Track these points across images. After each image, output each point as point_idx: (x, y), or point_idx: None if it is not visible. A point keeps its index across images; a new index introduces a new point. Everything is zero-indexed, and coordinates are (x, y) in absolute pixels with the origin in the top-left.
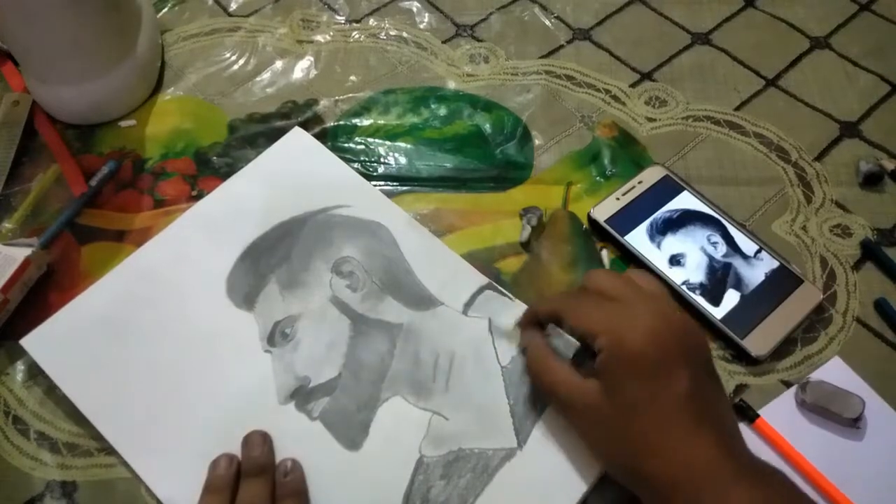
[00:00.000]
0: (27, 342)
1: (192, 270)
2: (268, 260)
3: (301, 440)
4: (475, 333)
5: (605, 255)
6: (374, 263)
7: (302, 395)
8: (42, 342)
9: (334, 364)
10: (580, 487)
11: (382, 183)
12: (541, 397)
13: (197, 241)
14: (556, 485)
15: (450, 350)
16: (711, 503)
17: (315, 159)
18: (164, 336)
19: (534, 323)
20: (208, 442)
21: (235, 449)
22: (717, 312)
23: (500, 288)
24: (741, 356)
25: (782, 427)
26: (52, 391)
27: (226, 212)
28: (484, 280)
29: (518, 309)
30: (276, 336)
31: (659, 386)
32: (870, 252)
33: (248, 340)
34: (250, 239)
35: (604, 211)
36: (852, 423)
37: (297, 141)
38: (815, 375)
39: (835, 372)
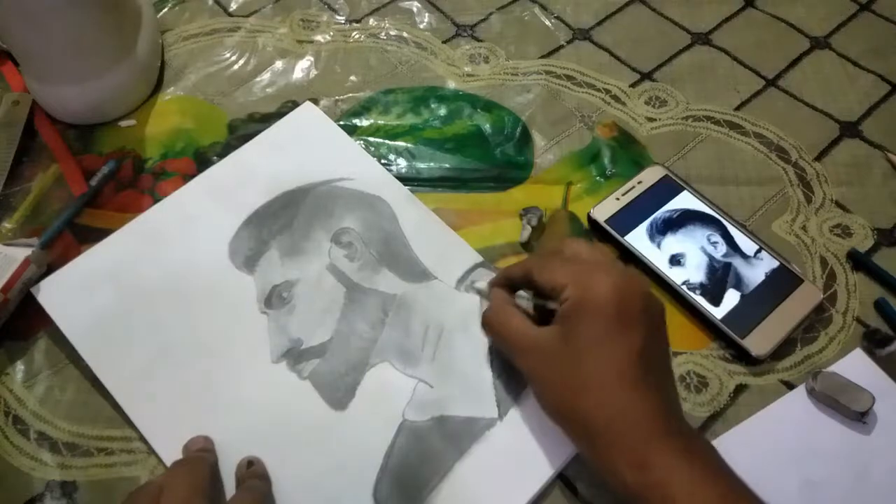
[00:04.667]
0: (38, 291)
1: (196, 233)
2: (270, 227)
3: (290, 398)
4: (466, 307)
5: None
6: (372, 235)
7: (294, 356)
8: (51, 292)
9: (327, 328)
10: (554, 462)
11: None
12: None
13: (204, 206)
14: (532, 456)
15: (439, 322)
16: (634, 448)
17: (322, 133)
18: (166, 293)
19: (503, 285)
20: (204, 396)
21: (229, 400)
22: (718, 312)
23: (492, 266)
24: (741, 356)
25: (791, 411)
26: (51, 391)
27: (234, 179)
28: (478, 258)
29: None
30: (274, 299)
31: (614, 337)
32: (859, 264)
33: (246, 301)
34: (255, 206)
35: (604, 211)
36: (859, 417)
37: (307, 114)
38: (835, 367)
39: (856, 365)
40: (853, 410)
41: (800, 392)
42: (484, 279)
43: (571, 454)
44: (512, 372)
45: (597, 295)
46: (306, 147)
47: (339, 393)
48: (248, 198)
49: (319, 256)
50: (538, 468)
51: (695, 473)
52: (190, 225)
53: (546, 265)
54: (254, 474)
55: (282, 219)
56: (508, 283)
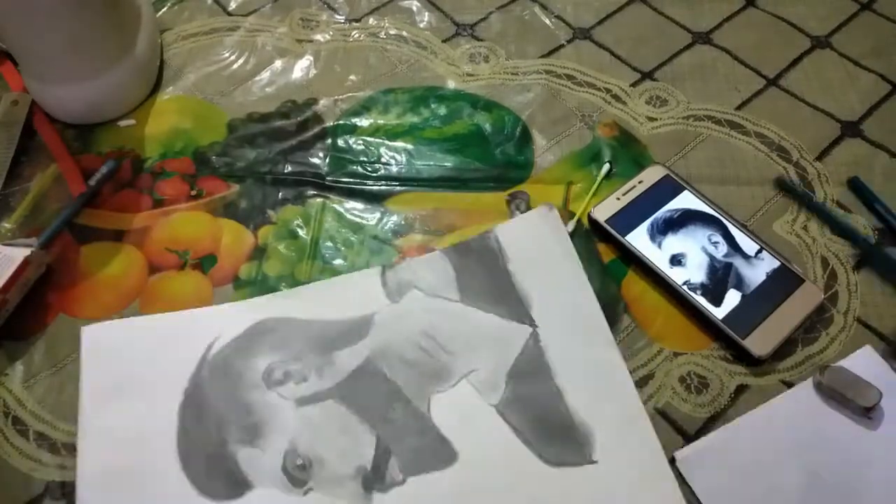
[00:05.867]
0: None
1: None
2: (211, 433)
3: None
4: (412, 304)
5: None
6: (294, 349)
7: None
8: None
9: (365, 443)
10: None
11: (382, 183)
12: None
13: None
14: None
15: (413, 335)
16: None
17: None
18: None
19: None
20: None
21: None
22: (719, 312)
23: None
24: (742, 356)
25: (797, 404)
26: (51, 391)
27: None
28: (386, 262)
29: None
30: (296, 472)
31: None
32: (868, 255)
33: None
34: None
35: (604, 211)
36: (865, 413)
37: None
38: (843, 362)
39: (865, 361)
40: (859, 406)
41: (807, 386)
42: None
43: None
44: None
45: None
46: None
47: (445, 451)
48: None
49: (275, 409)
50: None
51: None
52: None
53: None
54: None
55: (208, 418)
56: None
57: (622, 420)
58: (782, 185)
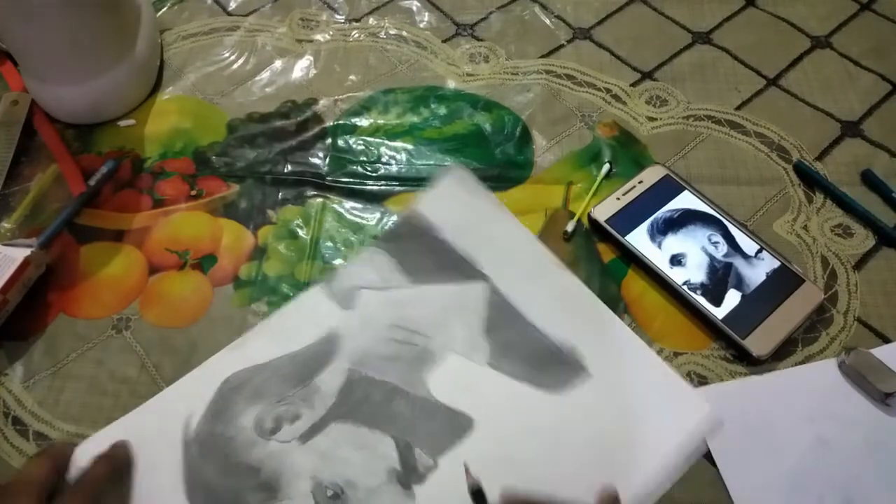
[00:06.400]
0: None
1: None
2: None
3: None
4: (367, 305)
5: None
6: (273, 392)
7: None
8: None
9: (385, 447)
10: None
11: (383, 183)
12: None
13: None
14: None
15: (382, 332)
16: None
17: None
18: None
19: None
20: None
21: None
22: (719, 312)
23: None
24: (742, 356)
25: (819, 377)
26: (50, 391)
27: None
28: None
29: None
30: (331, 503)
31: None
32: (890, 239)
33: None
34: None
35: (604, 211)
36: (883, 398)
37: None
38: (875, 350)
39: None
40: (879, 390)
41: (831, 363)
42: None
43: None
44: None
45: None
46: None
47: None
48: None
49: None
50: None
51: None
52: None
53: None
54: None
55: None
56: None
57: (598, 328)
58: (800, 170)
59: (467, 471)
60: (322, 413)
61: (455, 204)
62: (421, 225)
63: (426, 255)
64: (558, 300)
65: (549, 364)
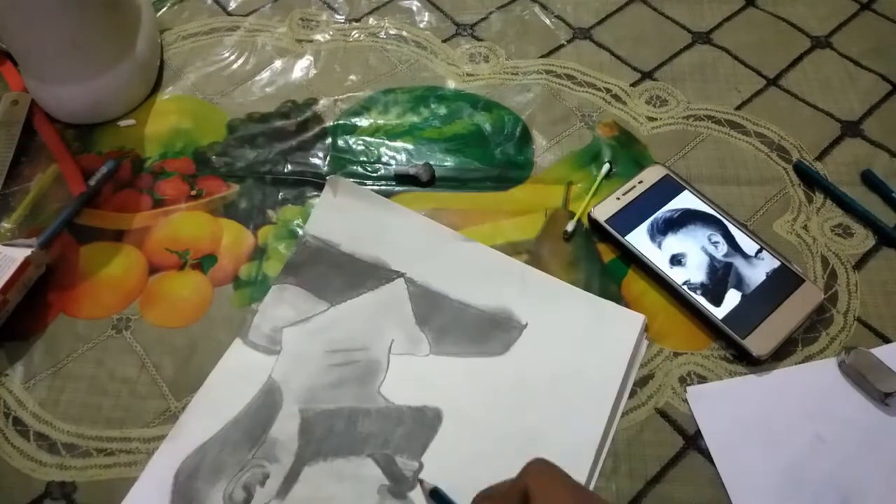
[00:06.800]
0: None
1: None
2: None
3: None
4: (293, 343)
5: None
6: (230, 464)
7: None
8: None
9: (365, 469)
10: None
11: (383, 183)
12: None
13: None
14: None
15: (320, 363)
16: None
17: None
18: None
19: None
20: None
21: None
22: (719, 312)
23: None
24: (742, 356)
25: (818, 375)
26: (51, 392)
27: None
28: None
29: None
30: None
31: None
32: (890, 239)
33: None
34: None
35: (604, 211)
36: (882, 398)
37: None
38: (876, 350)
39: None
40: (878, 390)
41: (830, 362)
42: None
43: None
44: None
45: None
46: None
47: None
48: None
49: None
50: None
51: None
52: None
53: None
54: None
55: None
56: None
57: (515, 280)
58: (800, 170)
59: (422, 483)
60: (290, 462)
61: (344, 215)
62: (318, 247)
63: (334, 274)
64: (470, 269)
65: (487, 331)
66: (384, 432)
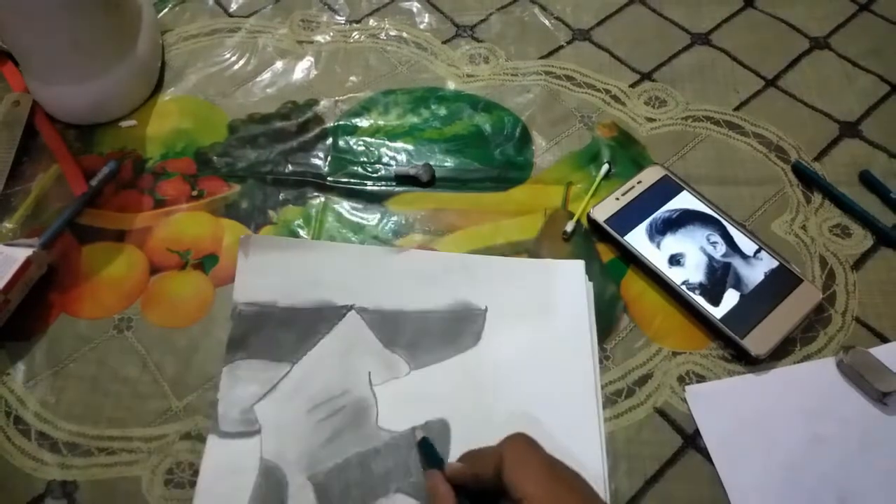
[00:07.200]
0: None
1: None
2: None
3: None
4: (270, 415)
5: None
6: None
7: None
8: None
9: None
10: None
11: (383, 183)
12: None
13: None
14: None
15: (307, 427)
16: None
17: None
18: None
19: (454, 481)
20: None
21: None
22: (717, 312)
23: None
24: (741, 356)
25: (816, 375)
26: (52, 391)
27: None
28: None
29: None
30: None
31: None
32: (888, 239)
33: None
34: None
35: (603, 211)
36: (881, 397)
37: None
38: (874, 349)
39: (893, 352)
40: (876, 389)
41: (829, 362)
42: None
43: None
44: None
45: None
46: None
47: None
48: None
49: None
50: None
51: None
52: None
53: (522, 467)
54: None
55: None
56: (459, 481)
57: (459, 273)
58: (798, 170)
59: (414, 431)
60: None
61: (267, 271)
62: (255, 312)
63: (282, 332)
64: (413, 277)
65: (453, 329)
66: (401, 463)
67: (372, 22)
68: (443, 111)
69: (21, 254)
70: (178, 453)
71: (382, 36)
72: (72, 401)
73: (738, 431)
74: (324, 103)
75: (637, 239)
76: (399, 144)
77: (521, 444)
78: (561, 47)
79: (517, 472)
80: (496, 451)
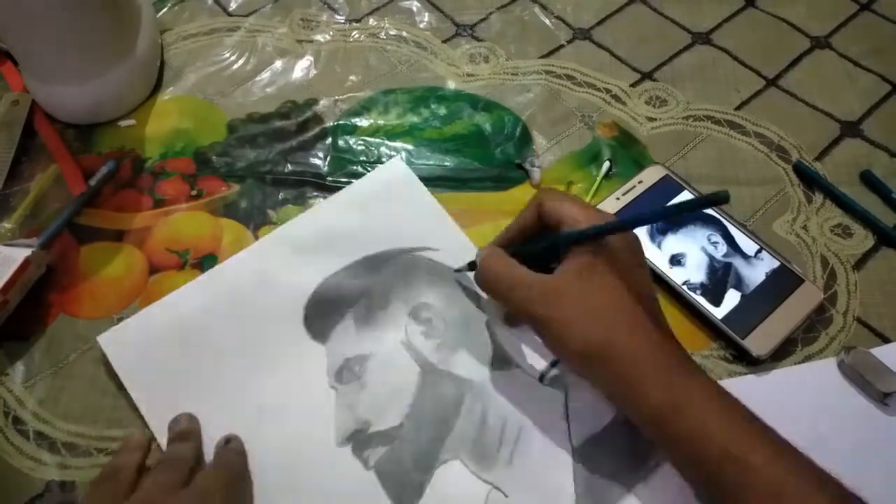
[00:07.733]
0: (103, 340)
1: (272, 293)
2: (349, 293)
3: (352, 488)
4: (549, 406)
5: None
6: (453, 313)
7: (360, 440)
8: (117, 342)
9: (398, 412)
10: None
11: None
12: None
13: (281, 263)
14: None
15: (519, 419)
16: (658, 371)
17: (410, 195)
18: (234, 355)
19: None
20: (259, 474)
21: (284, 481)
22: (718, 312)
23: None
24: (742, 356)
25: (817, 375)
26: (51, 391)
27: (314, 236)
28: None
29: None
30: (345, 373)
31: (631, 273)
32: (889, 238)
33: (315, 374)
34: (334, 268)
35: None
36: (882, 398)
37: (396, 172)
38: (875, 350)
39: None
40: (878, 390)
41: (830, 362)
42: (581, 388)
43: None
44: (600, 488)
45: (613, 240)
46: (392, 209)
47: (405, 491)
48: (327, 259)
49: (396, 331)
50: None
51: (705, 391)
52: (265, 284)
53: (558, 199)
54: (230, 450)
55: (360, 286)
56: (507, 242)
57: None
58: (799, 170)
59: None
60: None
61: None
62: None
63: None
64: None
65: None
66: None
67: (372, 21)
68: (443, 111)
69: (20, 254)
70: None
71: (382, 35)
72: (71, 401)
73: None
74: (323, 103)
75: None
76: (399, 144)
77: (557, 193)
78: (561, 46)
79: (555, 202)
80: (531, 200)
